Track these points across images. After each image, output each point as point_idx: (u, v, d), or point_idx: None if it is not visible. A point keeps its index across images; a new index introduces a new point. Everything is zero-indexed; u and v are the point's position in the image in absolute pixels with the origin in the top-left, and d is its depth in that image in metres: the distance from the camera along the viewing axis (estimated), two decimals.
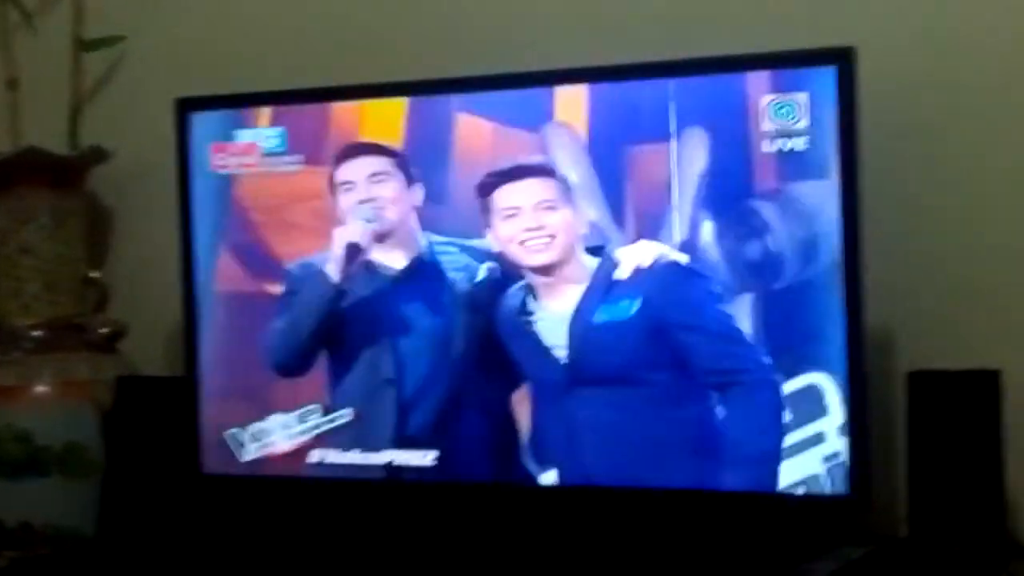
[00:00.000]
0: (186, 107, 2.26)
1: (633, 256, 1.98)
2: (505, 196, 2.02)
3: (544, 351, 2.03)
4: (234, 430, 2.24)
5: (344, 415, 2.17)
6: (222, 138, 2.24)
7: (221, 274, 2.25)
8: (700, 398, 1.95)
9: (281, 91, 2.23)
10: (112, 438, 2.32)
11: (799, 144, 1.91)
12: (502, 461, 2.09)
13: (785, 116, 1.92)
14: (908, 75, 2.06)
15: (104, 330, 2.43)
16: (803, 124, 1.91)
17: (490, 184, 2.03)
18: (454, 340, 2.10)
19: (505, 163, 2.03)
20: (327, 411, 2.18)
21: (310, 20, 2.44)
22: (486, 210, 2.04)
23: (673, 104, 1.97)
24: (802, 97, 1.91)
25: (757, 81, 1.93)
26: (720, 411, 1.94)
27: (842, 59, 1.89)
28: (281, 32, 2.45)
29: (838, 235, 1.89)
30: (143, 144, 2.47)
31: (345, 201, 2.13)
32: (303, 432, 2.20)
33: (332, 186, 2.15)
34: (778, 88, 1.92)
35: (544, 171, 2.01)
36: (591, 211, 2.02)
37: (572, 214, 2.00)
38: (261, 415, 2.23)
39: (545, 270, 2.02)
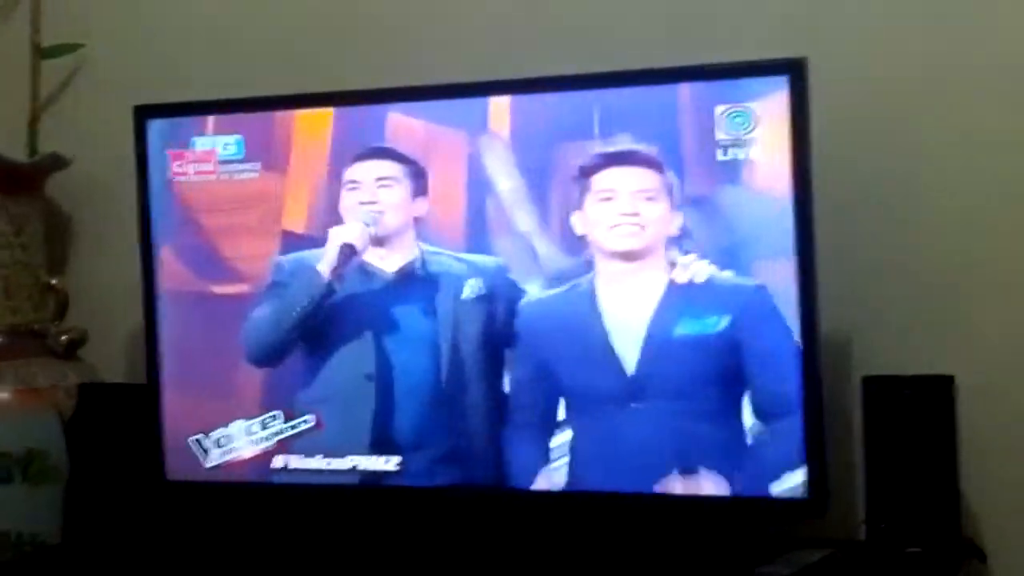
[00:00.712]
0: (144, 114, 2.26)
1: (700, 268, 1.98)
2: (607, 178, 2.01)
3: (607, 358, 2.01)
4: (198, 436, 2.24)
5: (307, 421, 2.18)
6: (180, 145, 2.24)
7: (170, 278, 2.26)
8: (734, 416, 1.96)
9: (239, 99, 2.23)
10: (75, 445, 2.32)
11: (753, 153, 1.93)
12: (475, 466, 2.10)
13: (738, 126, 1.93)
14: (862, 85, 2.08)
15: (64, 337, 2.42)
16: (756, 134, 1.93)
17: (595, 165, 2.01)
18: (439, 346, 2.10)
19: (615, 146, 2.01)
20: (289, 417, 2.19)
21: (268, 28, 2.44)
22: (582, 190, 2.02)
23: (617, 113, 2.01)
24: (755, 107, 1.92)
25: (711, 91, 1.95)
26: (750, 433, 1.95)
27: (794, 69, 1.90)
28: (239, 40, 2.45)
29: (792, 243, 1.91)
30: (101, 151, 2.46)
31: (348, 200, 2.14)
32: (266, 438, 2.20)
33: (340, 184, 2.15)
34: (731, 98, 1.94)
35: (652, 162, 1.99)
36: (523, 219, 2.05)
37: (668, 210, 1.99)
38: (224, 421, 2.23)
39: (627, 256, 2.00)
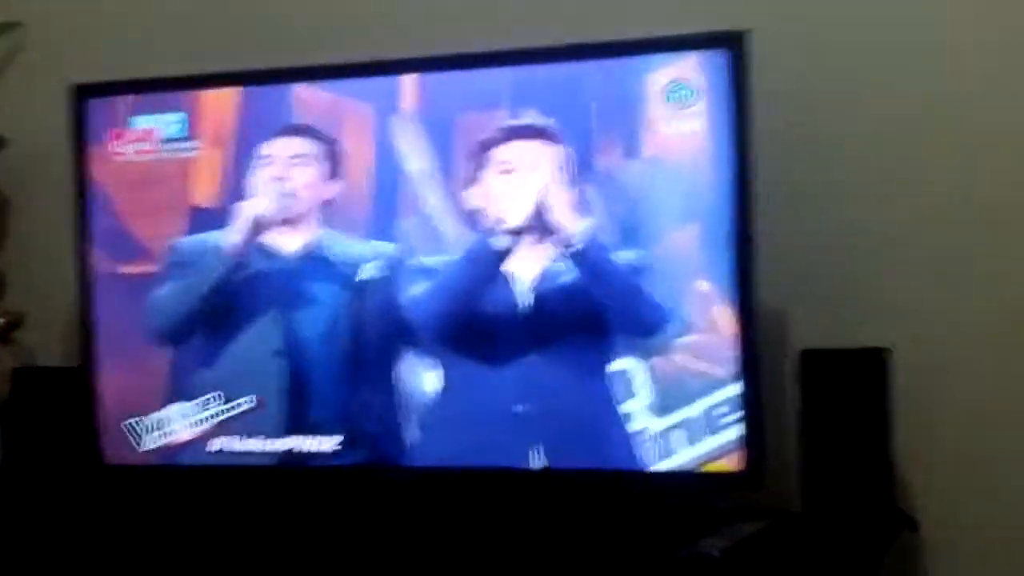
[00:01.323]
0: (82, 93, 2.25)
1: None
2: (507, 152, 2.03)
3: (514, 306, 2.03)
4: (134, 419, 2.23)
5: (245, 402, 2.17)
6: (121, 125, 2.23)
7: (105, 259, 2.25)
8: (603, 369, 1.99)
9: (179, 77, 2.22)
10: (9, 430, 2.30)
11: (694, 126, 1.95)
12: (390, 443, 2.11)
13: (680, 99, 1.95)
14: (800, 57, 2.11)
15: (1, 320, 2.40)
16: (697, 107, 1.94)
17: (497, 139, 2.03)
18: (342, 323, 2.11)
19: (518, 121, 2.03)
20: (228, 399, 2.18)
21: (207, 5, 2.43)
22: (480, 165, 2.04)
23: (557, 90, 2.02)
24: (696, 80, 1.94)
25: (653, 64, 1.97)
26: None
27: (734, 43, 1.92)
28: (179, 18, 2.45)
29: (730, 217, 1.93)
30: (40, 131, 2.44)
31: (259, 176, 2.14)
32: (204, 420, 2.19)
33: (253, 158, 2.15)
34: (673, 71, 1.95)
35: (553, 137, 2.01)
36: (431, 197, 2.06)
37: (559, 181, 2.00)
38: (161, 404, 2.22)
39: (519, 231, 2.01)
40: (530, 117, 2.03)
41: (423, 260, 2.07)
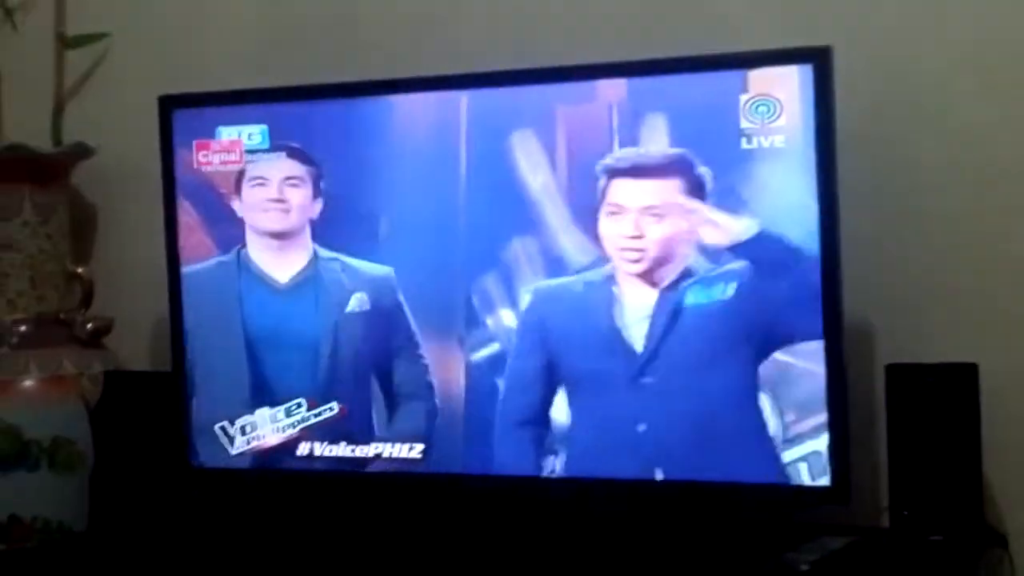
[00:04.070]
0: (169, 104, 2.27)
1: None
2: (615, 191, 2.00)
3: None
4: (223, 423, 2.26)
5: (330, 408, 2.20)
6: (206, 135, 2.25)
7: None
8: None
9: (264, 88, 2.23)
10: (100, 432, 2.34)
11: (777, 142, 1.93)
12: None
13: (763, 115, 1.94)
14: (887, 71, 2.09)
15: (90, 325, 2.44)
16: (781, 122, 1.93)
17: (611, 173, 1.99)
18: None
19: (629, 158, 1.99)
20: (312, 405, 2.21)
21: (293, 17, 2.44)
22: (600, 199, 2.01)
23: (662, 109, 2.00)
24: (780, 95, 1.93)
25: (735, 79, 1.95)
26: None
27: (818, 58, 1.90)
28: (264, 29, 2.46)
29: (816, 231, 1.91)
30: (127, 140, 2.47)
31: (254, 195, 2.21)
32: (290, 425, 2.22)
33: (239, 180, 2.22)
34: (756, 87, 1.94)
35: (672, 170, 1.96)
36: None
37: (688, 220, 1.96)
38: (249, 408, 2.24)
39: (634, 278, 2.01)
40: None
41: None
